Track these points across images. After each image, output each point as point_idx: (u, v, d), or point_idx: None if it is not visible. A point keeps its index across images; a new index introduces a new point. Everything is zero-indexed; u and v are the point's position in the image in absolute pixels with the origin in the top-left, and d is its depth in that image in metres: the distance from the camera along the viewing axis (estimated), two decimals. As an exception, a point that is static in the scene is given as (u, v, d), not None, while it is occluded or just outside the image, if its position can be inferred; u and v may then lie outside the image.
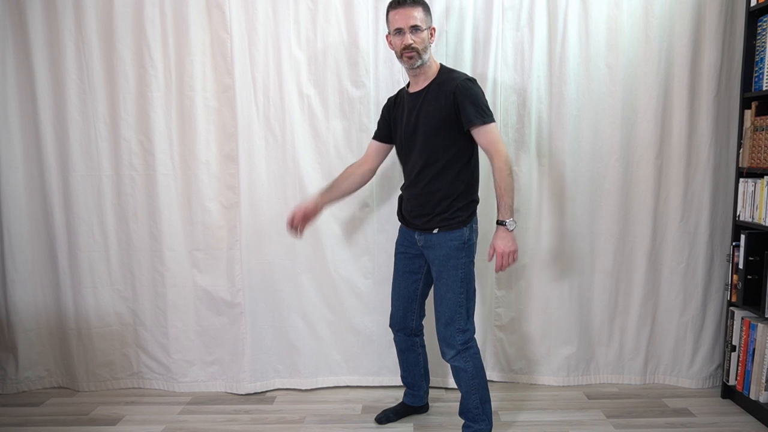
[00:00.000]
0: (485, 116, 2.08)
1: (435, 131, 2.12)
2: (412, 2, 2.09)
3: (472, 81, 2.13)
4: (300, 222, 2.33)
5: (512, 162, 2.17)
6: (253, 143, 2.66)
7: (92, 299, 2.76)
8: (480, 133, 2.09)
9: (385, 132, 2.35)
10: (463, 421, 2.27)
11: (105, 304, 2.78)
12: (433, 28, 2.18)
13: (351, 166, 2.44)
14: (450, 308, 2.14)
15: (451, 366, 2.21)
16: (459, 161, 2.13)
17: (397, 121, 2.29)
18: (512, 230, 2.08)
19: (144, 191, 2.71)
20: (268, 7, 2.58)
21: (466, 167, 2.16)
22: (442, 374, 2.78)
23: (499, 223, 2.09)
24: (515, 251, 2.10)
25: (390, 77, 2.62)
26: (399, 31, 2.11)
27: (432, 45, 2.19)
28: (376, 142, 2.39)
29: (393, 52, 2.20)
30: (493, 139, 2.08)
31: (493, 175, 2.08)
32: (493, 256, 2.12)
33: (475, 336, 2.23)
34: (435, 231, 2.16)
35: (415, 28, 2.08)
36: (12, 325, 2.77)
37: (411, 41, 2.08)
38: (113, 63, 2.62)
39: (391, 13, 2.13)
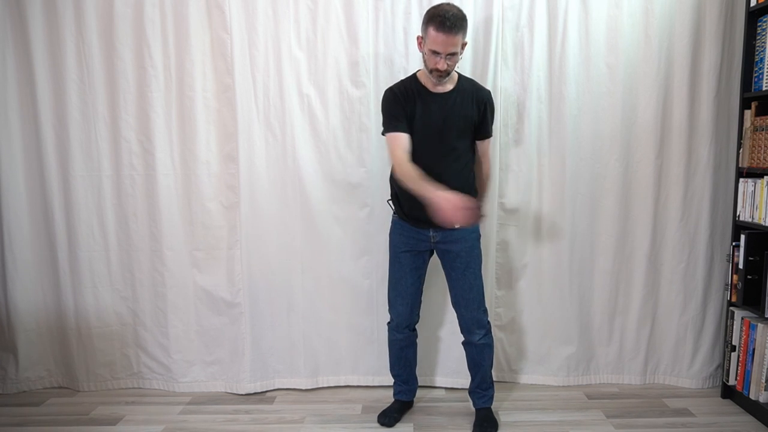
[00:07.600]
0: (492, 130, 2.40)
1: (464, 134, 2.27)
2: (457, 29, 2.06)
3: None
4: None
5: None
6: (253, 143, 2.66)
7: (92, 299, 2.76)
8: (485, 143, 2.40)
9: (409, 123, 2.24)
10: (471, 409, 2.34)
11: (105, 304, 2.78)
12: (465, 42, 2.16)
13: (409, 163, 2.19)
14: (479, 293, 2.35)
15: (476, 346, 2.37)
16: (473, 161, 2.38)
17: (415, 116, 2.23)
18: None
19: (144, 191, 2.71)
20: (268, 7, 2.58)
21: (474, 166, 2.40)
22: (444, 374, 2.78)
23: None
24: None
25: (390, 77, 2.61)
26: (435, 53, 2.10)
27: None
28: (406, 135, 2.22)
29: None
30: (489, 149, 2.47)
31: (481, 174, 2.45)
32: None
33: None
34: (457, 226, 2.19)
35: (451, 55, 2.10)
36: (12, 325, 2.77)
37: (445, 66, 2.12)
38: (113, 63, 2.62)
39: (432, 31, 2.07)
